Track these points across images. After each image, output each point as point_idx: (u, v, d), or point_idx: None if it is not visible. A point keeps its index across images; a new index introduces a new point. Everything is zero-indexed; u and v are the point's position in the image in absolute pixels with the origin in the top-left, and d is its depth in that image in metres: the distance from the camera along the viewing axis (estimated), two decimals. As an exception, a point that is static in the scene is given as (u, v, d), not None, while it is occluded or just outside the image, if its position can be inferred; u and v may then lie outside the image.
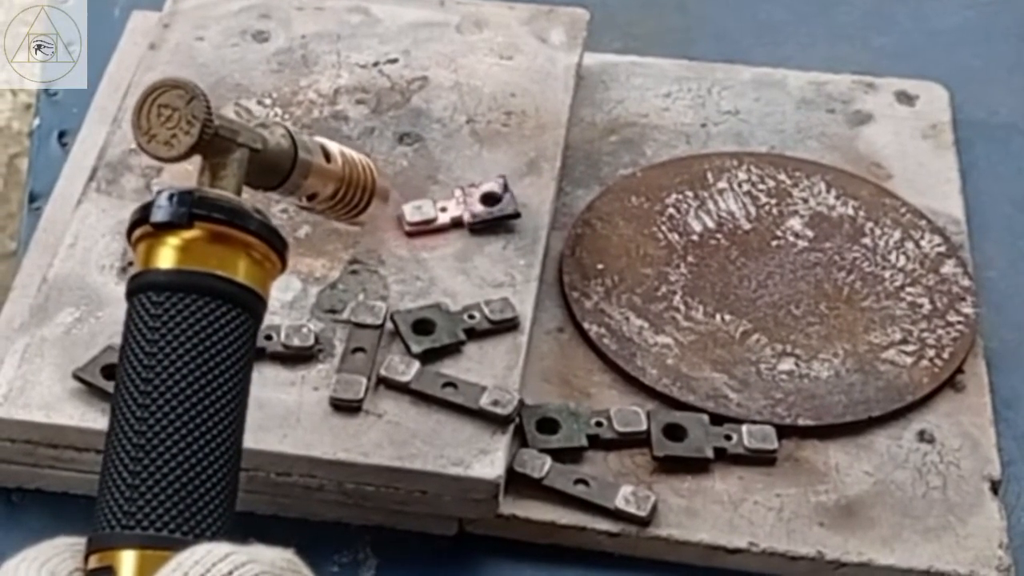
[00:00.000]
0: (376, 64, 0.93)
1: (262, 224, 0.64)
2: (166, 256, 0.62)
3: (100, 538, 0.58)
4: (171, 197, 0.63)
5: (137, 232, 0.64)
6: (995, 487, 0.76)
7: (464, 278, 0.81)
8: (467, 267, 0.82)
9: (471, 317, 0.79)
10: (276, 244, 0.64)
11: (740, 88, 0.97)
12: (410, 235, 0.83)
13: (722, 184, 0.90)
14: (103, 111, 0.93)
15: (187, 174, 0.86)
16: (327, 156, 0.74)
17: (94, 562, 0.57)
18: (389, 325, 0.78)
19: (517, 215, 0.83)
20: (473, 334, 0.78)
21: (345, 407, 0.75)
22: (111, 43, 0.99)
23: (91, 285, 0.80)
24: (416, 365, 0.76)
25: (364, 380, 0.75)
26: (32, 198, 0.91)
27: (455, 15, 0.96)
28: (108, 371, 0.75)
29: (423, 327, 0.78)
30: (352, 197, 0.76)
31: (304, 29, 0.95)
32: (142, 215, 0.63)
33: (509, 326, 0.79)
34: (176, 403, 0.59)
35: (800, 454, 0.77)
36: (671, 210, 0.89)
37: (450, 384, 0.75)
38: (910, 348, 0.82)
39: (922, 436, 0.78)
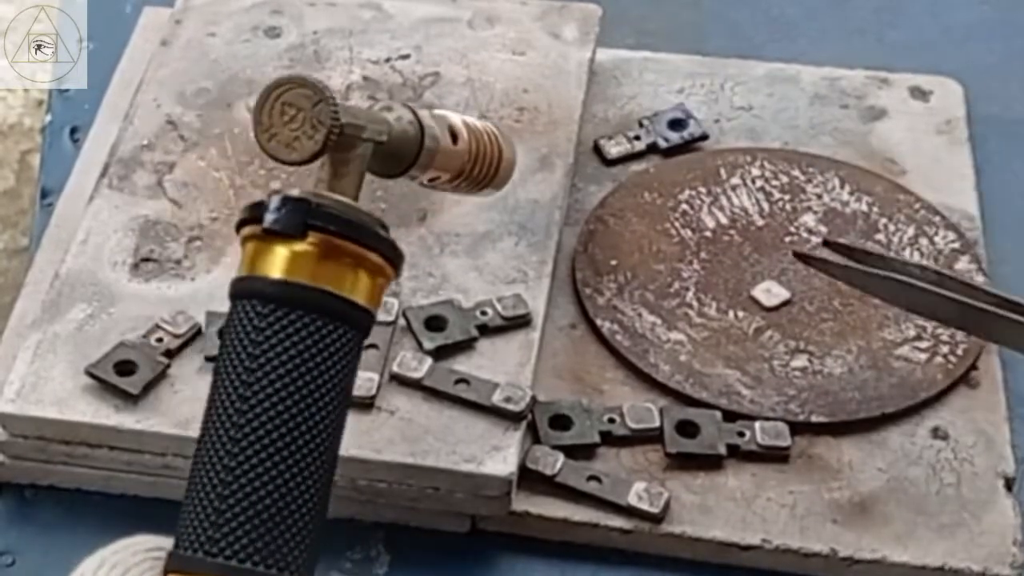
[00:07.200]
0: (388, 60, 0.93)
1: (378, 236, 0.60)
2: (275, 264, 0.59)
3: (182, 560, 0.56)
4: (285, 202, 0.59)
5: (246, 230, 0.60)
6: (1009, 484, 0.76)
7: (477, 274, 0.81)
8: (480, 263, 0.82)
9: (483, 313, 0.78)
10: (391, 256, 0.61)
11: (753, 84, 0.97)
12: (610, 163, 0.90)
13: (735, 180, 0.90)
14: (115, 107, 0.93)
15: (200, 170, 0.87)
16: (454, 136, 0.70)
17: None
18: (401, 321, 0.78)
19: (706, 136, 0.90)
20: (486, 330, 0.78)
21: (358, 403, 0.74)
22: (123, 39, 0.99)
23: (103, 281, 0.80)
24: (428, 362, 0.76)
25: (376, 377, 0.75)
26: (44, 194, 0.91)
27: (467, 11, 0.96)
28: (120, 367, 0.75)
29: (435, 323, 0.78)
30: (478, 174, 0.73)
31: (316, 25, 0.95)
32: (253, 215, 0.59)
33: (522, 322, 0.79)
34: (272, 427, 0.57)
35: (813, 451, 0.77)
36: (684, 206, 0.88)
37: (462, 381, 0.75)
38: (924, 344, 0.81)
39: (936, 433, 0.78)
